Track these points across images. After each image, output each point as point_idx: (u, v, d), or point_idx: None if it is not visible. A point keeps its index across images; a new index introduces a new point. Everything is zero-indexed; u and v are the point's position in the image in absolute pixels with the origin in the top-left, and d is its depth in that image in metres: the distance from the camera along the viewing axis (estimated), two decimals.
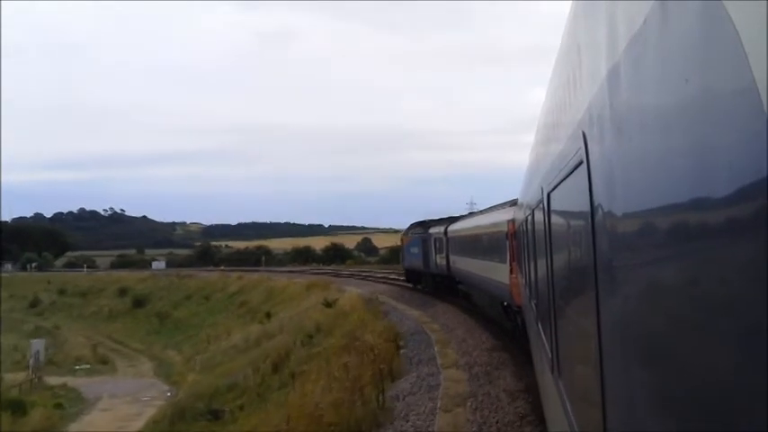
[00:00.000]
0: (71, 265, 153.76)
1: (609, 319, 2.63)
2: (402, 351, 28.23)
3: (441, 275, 41.11)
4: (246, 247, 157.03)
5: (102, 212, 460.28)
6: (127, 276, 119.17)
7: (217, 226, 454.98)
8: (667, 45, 1.60)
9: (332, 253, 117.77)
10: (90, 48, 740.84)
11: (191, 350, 65.57)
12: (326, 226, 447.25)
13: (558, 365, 5.22)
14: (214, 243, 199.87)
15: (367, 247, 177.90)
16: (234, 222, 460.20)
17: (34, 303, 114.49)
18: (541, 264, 6.89)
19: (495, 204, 28.13)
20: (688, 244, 1.53)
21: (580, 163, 3.20)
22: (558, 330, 5.13)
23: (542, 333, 7.19)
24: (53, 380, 55.15)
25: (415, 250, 49.18)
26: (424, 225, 47.89)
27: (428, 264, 44.31)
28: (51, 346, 71.55)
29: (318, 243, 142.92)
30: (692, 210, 1.48)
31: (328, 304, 50.64)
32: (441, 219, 44.08)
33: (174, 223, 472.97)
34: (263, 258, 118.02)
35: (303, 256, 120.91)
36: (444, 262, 38.64)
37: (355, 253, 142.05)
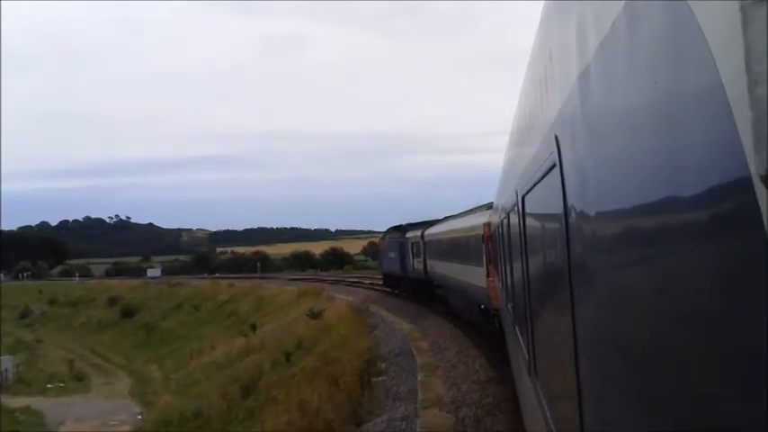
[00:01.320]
0: (66, 274, 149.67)
1: (584, 321, 2.65)
2: (380, 379, 23.42)
3: (418, 280, 40.67)
4: (244, 253, 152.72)
5: (108, 220, 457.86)
6: (118, 285, 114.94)
7: (223, 232, 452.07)
8: (635, 47, 1.62)
9: (331, 258, 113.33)
10: (97, 56, 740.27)
11: (173, 365, 61.12)
12: (333, 230, 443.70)
13: (534, 366, 5.26)
14: (220, 249, 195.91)
15: (374, 250, 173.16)
16: (240, 228, 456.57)
17: (24, 314, 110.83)
18: (517, 266, 6.91)
19: (470, 208, 27.99)
20: (660, 245, 1.55)
21: (553, 166, 3.21)
22: (535, 332, 5.18)
23: (519, 335, 7.26)
24: (19, 401, 50.47)
25: (392, 255, 48.87)
26: (402, 229, 47.71)
27: (406, 268, 44.14)
28: (27, 363, 67.19)
29: (322, 248, 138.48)
30: (663, 211, 1.50)
31: (314, 315, 45.97)
32: (418, 223, 43.83)
33: (180, 230, 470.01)
34: (259, 265, 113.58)
35: (301, 262, 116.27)
36: (422, 266, 38.39)
37: (361, 257, 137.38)
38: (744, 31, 1.01)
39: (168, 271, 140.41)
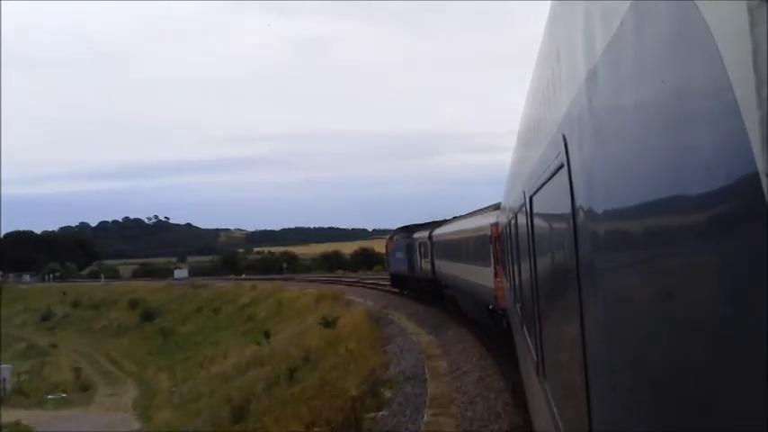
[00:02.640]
0: (94, 276, 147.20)
1: (592, 321, 2.63)
2: (379, 415, 18.47)
3: (426, 280, 40.05)
4: (273, 253, 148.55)
5: (146, 220, 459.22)
6: (142, 287, 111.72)
7: (260, 232, 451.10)
8: (643, 47, 1.63)
9: (361, 258, 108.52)
10: (131, 58, 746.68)
11: (183, 374, 56.94)
12: (370, 230, 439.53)
13: (542, 367, 5.25)
14: (257, 249, 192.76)
15: None
16: (277, 228, 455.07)
17: (46, 316, 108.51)
18: (525, 267, 6.89)
19: (479, 208, 27.77)
20: (669, 245, 1.56)
21: (561, 166, 3.20)
22: (543, 332, 5.18)
23: (527, 335, 7.23)
24: (12, 414, 46.43)
25: (400, 255, 48.27)
26: (409, 230, 47.11)
27: (413, 268, 43.44)
28: (33, 371, 63.54)
29: (355, 248, 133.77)
30: (671, 211, 1.51)
31: (327, 324, 41.14)
32: (425, 223, 43.17)
33: (217, 230, 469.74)
34: (285, 266, 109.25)
35: (329, 262, 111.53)
36: (429, 266, 37.76)
37: None
38: (751, 32, 1.01)
39: (196, 272, 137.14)
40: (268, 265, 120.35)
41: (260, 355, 44.67)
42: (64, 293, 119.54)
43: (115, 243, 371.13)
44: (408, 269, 45.50)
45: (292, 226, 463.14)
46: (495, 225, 19.49)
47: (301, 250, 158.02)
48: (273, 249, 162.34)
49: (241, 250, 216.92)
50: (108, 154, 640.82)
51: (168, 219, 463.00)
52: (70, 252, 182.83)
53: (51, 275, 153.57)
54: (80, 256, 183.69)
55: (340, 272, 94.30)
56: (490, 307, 21.86)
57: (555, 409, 4.28)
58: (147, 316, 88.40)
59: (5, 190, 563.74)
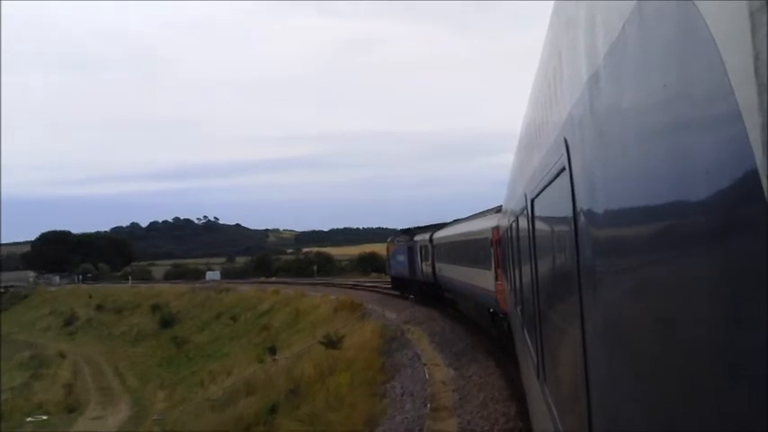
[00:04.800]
0: (125, 277, 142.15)
1: (593, 324, 2.63)
2: None
3: (427, 283, 39.74)
4: (308, 253, 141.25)
5: (196, 221, 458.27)
6: (167, 290, 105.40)
7: (309, 232, 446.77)
8: (645, 51, 1.63)
9: None
10: (180, 60, 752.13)
11: (182, 393, 50.14)
12: None
13: (543, 370, 5.26)
14: (305, 249, 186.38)
15: None
16: (326, 228, 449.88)
17: (70, 321, 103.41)
18: (526, 270, 6.92)
19: (479, 211, 27.83)
20: (670, 249, 1.56)
21: (563, 169, 3.20)
22: (543, 336, 5.19)
23: (528, 339, 7.21)
24: None
25: (401, 258, 47.87)
26: (410, 233, 46.29)
27: (414, 271, 43.14)
28: (24, 385, 57.40)
29: None
30: (673, 214, 1.51)
31: (331, 344, 33.24)
32: (426, 226, 42.77)
33: (266, 230, 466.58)
34: (315, 269, 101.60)
35: (366, 264, 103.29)
36: (430, 269, 37.40)
37: None
38: (753, 37, 1.01)
39: (229, 273, 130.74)
40: (302, 266, 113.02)
41: (254, 379, 37.34)
42: (90, 296, 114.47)
43: (165, 243, 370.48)
44: (409, 272, 44.78)
45: (341, 226, 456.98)
46: (496, 228, 19.30)
47: (348, 251, 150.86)
48: (322, 250, 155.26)
49: (290, 251, 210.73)
50: (159, 155, 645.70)
51: (218, 219, 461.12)
52: (106, 253, 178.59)
53: (80, 277, 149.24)
54: (115, 257, 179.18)
55: (375, 275, 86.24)
56: (491, 310, 21.68)
57: (555, 413, 4.29)
58: (166, 323, 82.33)
59: (60, 191, 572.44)
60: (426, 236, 38.93)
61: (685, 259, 1.44)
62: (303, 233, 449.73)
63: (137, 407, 50.43)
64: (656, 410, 1.74)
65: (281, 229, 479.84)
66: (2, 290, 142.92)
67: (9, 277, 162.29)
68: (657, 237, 1.66)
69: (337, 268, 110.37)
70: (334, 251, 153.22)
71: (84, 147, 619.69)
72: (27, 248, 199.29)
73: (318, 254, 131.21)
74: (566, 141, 3.09)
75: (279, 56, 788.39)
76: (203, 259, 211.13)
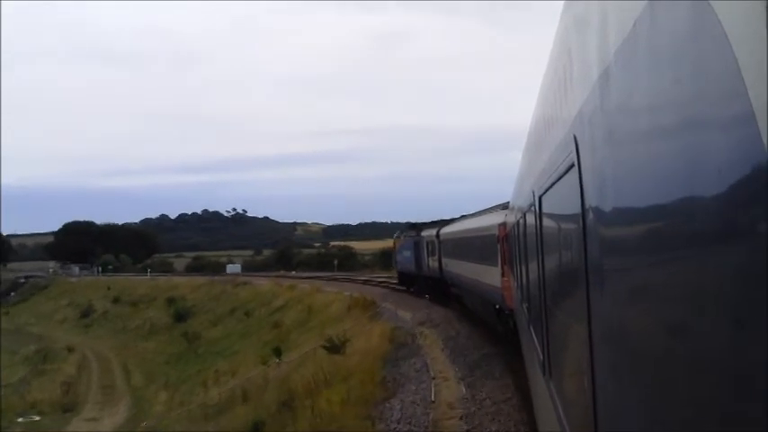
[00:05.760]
0: (146, 269, 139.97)
1: (600, 322, 2.63)
2: None
3: (433, 278, 39.60)
4: (331, 248, 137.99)
5: (225, 213, 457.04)
6: (184, 283, 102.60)
7: (337, 226, 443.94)
8: (657, 48, 1.62)
9: None
10: (215, 56, 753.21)
11: (184, 394, 47.44)
12: None
13: (549, 367, 5.26)
14: (333, 243, 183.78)
15: None
16: (354, 222, 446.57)
17: (86, 313, 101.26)
18: (533, 267, 6.95)
19: (486, 207, 27.64)
20: (679, 247, 1.55)
21: (571, 166, 3.21)
22: (550, 333, 5.19)
23: (534, 335, 7.24)
24: None
25: (407, 253, 47.49)
26: (417, 228, 46.47)
27: (421, 266, 43.06)
28: (22, 382, 54.84)
29: None
30: (682, 213, 1.49)
31: (334, 348, 29.76)
32: (433, 221, 43.21)
33: (294, 223, 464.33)
34: (336, 263, 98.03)
35: (387, 259, 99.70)
36: (437, 265, 37.37)
37: None
38: (767, 34, 1.00)
39: (250, 266, 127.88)
40: (323, 260, 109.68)
41: (251, 386, 34.14)
42: (108, 288, 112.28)
43: (193, 235, 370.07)
44: (416, 267, 44.39)
45: (369, 220, 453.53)
46: (503, 225, 19.30)
47: (375, 245, 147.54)
48: (350, 244, 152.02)
49: (317, 244, 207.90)
50: (189, 148, 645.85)
51: (246, 212, 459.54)
52: (129, 245, 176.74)
53: (99, 269, 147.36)
54: (138, 248, 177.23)
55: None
56: (497, 306, 21.57)
57: (560, 409, 4.30)
58: (180, 317, 79.50)
59: (90, 183, 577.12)
60: (433, 231, 38.73)
61: (694, 259, 1.43)
62: (331, 227, 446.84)
63: (135, 408, 47.52)
64: (661, 408, 1.74)
65: (309, 222, 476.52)
66: (22, 280, 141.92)
67: (30, 267, 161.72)
68: (667, 236, 1.64)
69: (359, 263, 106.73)
70: (361, 245, 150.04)
71: (115, 139, 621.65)
72: (51, 239, 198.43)
73: (341, 248, 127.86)
74: (575, 138, 3.07)
75: (309, 51, 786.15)
76: (229, 251, 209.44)
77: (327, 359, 29.43)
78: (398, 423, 16.56)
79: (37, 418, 44.28)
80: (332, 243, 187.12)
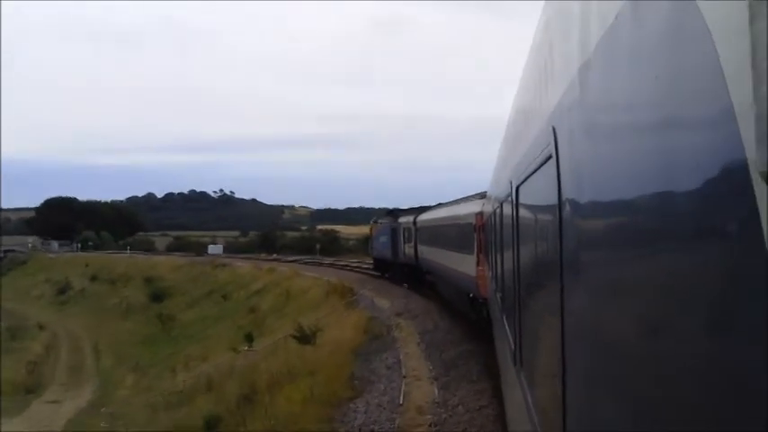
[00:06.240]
0: (127, 247, 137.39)
1: (572, 314, 2.63)
2: None
3: (409, 265, 39.41)
4: (315, 232, 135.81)
5: (212, 194, 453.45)
6: (163, 263, 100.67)
7: (324, 210, 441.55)
8: (638, 42, 1.62)
9: None
10: (205, 34, 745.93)
11: (152, 379, 45.48)
12: None
13: (520, 357, 5.27)
14: (320, 227, 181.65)
15: None
16: (342, 207, 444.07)
17: (63, 290, 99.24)
18: (508, 256, 6.99)
19: (464, 196, 27.77)
20: (654, 242, 1.56)
21: (549, 157, 3.21)
22: (522, 323, 5.20)
23: (506, 325, 7.33)
24: None
25: (384, 239, 47.21)
26: (394, 214, 46.26)
27: (397, 253, 42.80)
28: None
29: None
30: (659, 209, 1.50)
31: (304, 338, 27.98)
32: (410, 208, 43.44)
33: (282, 206, 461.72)
34: (318, 247, 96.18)
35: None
36: (413, 252, 37.17)
37: None
38: (750, 27, 0.99)
39: (232, 248, 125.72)
40: (307, 244, 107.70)
41: (217, 375, 32.47)
42: (86, 265, 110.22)
43: (179, 215, 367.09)
44: (392, 254, 43.96)
45: (357, 206, 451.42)
46: (480, 214, 19.26)
47: (362, 230, 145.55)
48: (337, 228, 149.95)
49: (304, 227, 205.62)
50: (177, 128, 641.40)
51: (234, 193, 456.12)
52: (111, 222, 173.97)
53: (79, 245, 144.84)
54: (121, 226, 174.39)
55: None
56: (471, 295, 21.52)
57: (530, 398, 4.32)
58: (157, 297, 77.52)
59: (76, 159, 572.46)
60: (410, 218, 38.42)
61: (669, 255, 1.43)
62: (318, 210, 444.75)
63: (100, 391, 45.59)
64: (631, 401, 1.74)
65: (297, 205, 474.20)
66: (1, 254, 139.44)
67: (10, 242, 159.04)
68: (642, 230, 1.64)
69: (343, 248, 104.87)
70: (347, 230, 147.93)
71: (105, 116, 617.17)
72: (32, 214, 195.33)
73: (325, 232, 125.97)
74: (554, 130, 3.05)
75: (308, 33, 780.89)
76: (215, 232, 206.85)
77: (297, 349, 27.73)
78: (359, 429, 14.78)
79: None
80: (318, 227, 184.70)
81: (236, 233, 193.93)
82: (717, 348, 1.12)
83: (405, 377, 19.12)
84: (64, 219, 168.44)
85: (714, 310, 1.13)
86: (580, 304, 2.46)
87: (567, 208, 2.69)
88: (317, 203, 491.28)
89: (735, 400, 1.06)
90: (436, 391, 17.25)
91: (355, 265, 65.97)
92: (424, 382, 18.50)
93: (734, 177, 1.03)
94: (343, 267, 65.77)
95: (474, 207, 21.17)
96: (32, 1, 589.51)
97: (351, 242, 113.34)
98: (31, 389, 45.89)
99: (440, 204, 35.32)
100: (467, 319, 23.88)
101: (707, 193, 1.16)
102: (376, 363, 21.92)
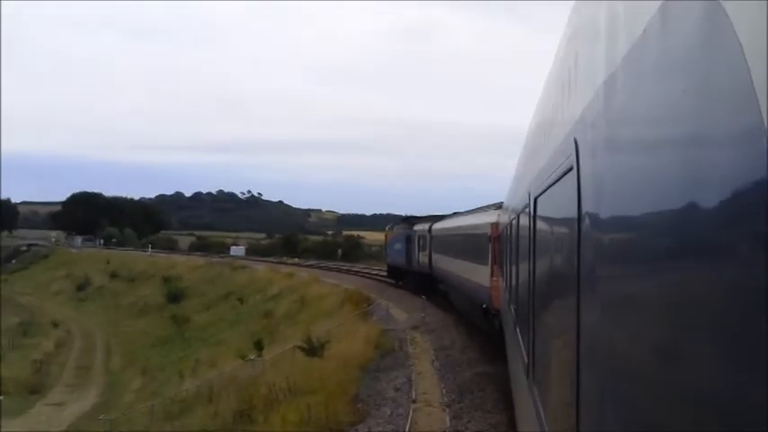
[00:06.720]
0: (147, 245, 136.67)
1: (588, 329, 2.59)
2: None
3: (422, 274, 38.91)
4: (341, 236, 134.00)
5: (240, 195, 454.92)
6: (183, 262, 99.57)
7: (351, 215, 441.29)
8: (667, 55, 1.59)
9: None
10: (237, 36, 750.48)
11: (160, 382, 43.78)
12: None
13: (533, 370, 5.22)
14: (346, 232, 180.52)
15: None
16: (369, 213, 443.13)
17: (82, 286, 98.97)
18: (523, 269, 6.89)
19: (481, 206, 27.30)
20: (674, 259, 1.53)
21: (570, 170, 3.17)
22: (536, 335, 5.10)
23: (520, 337, 7.18)
24: None
25: (398, 247, 47.26)
26: (409, 222, 46.07)
27: (411, 261, 42.56)
28: None
29: None
30: (682, 225, 1.45)
31: (312, 351, 26.23)
32: (426, 216, 42.79)
33: (309, 210, 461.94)
34: (340, 252, 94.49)
35: None
36: (427, 260, 36.85)
37: None
38: None
39: (255, 250, 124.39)
40: (329, 248, 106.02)
41: (220, 385, 30.75)
42: (107, 262, 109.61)
43: (206, 214, 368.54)
44: (406, 261, 43.71)
45: (383, 212, 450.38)
46: (496, 224, 19.08)
47: (362, 235, 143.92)
48: (362, 233, 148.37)
49: (330, 232, 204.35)
50: (209, 128, 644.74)
51: (261, 195, 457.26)
52: (135, 219, 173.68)
53: (101, 241, 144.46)
54: (145, 224, 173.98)
55: None
56: (484, 306, 20.93)
57: (542, 412, 4.25)
58: (173, 297, 76.32)
59: (108, 156, 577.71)
60: (425, 226, 38.21)
61: (692, 272, 1.39)
62: (345, 215, 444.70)
63: (107, 394, 44.23)
64: (645, 417, 1.72)
65: (324, 210, 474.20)
66: (24, 248, 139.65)
67: (34, 235, 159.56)
68: (663, 247, 1.61)
69: (366, 253, 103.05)
70: (373, 236, 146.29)
71: (136, 114, 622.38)
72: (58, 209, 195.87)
73: (348, 237, 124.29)
74: (575, 141, 3.02)
75: (339, 38, 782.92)
76: (240, 233, 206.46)
77: (303, 362, 26.00)
78: None
79: None
80: (344, 232, 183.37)
81: (262, 235, 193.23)
82: (742, 370, 1.07)
83: (414, 402, 17.27)
84: (89, 214, 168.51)
85: (740, 330, 1.09)
86: (597, 319, 2.40)
87: (587, 221, 2.64)
88: (344, 208, 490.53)
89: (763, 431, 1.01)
90: (447, 421, 15.38)
91: (375, 272, 64.14)
92: (435, 409, 16.66)
93: (762, 194, 1.00)
94: (363, 274, 64.03)
95: (490, 217, 20.98)
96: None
97: (373, 248, 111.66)
98: (36, 389, 44.73)
99: (455, 213, 34.72)
100: (480, 329, 23.51)
101: (734, 209, 1.13)
102: (384, 382, 20.08)
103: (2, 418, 37.11)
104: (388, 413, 16.60)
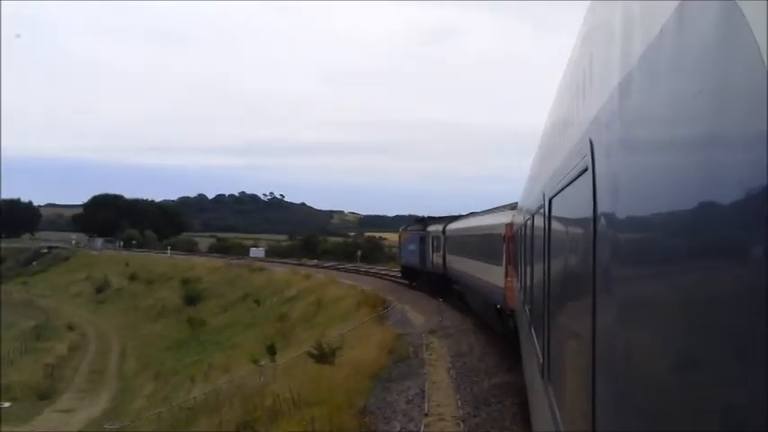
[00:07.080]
0: (173, 247, 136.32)
1: (604, 330, 2.59)
2: None
3: (437, 274, 38.68)
4: (362, 237, 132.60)
5: (262, 197, 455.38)
6: (201, 264, 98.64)
7: (373, 216, 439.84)
8: (683, 54, 1.60)
9: None
10: (259, 39, 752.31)
11: (173, 387, 42.73)
12: None
13: (548, 370, 5.22)
14: (368, 234, 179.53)
15: None
16: (391, 214, 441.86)
17: (101, 288, 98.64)
18: (538, 269, 6.88)
19: (495, 206, 27.12)
20: (690, 258, 1.54)
21: (585, 170, 3.16)
22: (551, 336, 5.12)
23: (534, 338, 7.18)
24: None
25: (412, 247, 47.06)
26: (424, 222, 46.41)
27: (425, 262, 42.59)
28: (5, 361, 50.58)
29: None
30: (697, 224, 1.46)
31: (322, 357, 24.89)
32: (440, 217, 43.54)
33: (331, 212, 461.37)
34: (359, 254, 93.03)
35: None
36: (441, 261, 36.83)
37: None
38: None
39: (274, 251, 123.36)
40: (348, 250, 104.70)
41: (230, 390, 29.65)
42: (127, 264, 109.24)
43: (229, 216, 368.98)
44: (420, 262, 43.86)
45: (405, 213, 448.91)
46: (510, 225, 18.99)
47: (384, 237, 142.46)
48: (385, 235, 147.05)
49: (352, 233, 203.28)
50: (231, 130, 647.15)
51: (283, 197, 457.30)
52: (156, 221, 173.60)
53: (121, 243, 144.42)
54: (165, 225, 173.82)
55: None
56: (498, 306, 21.04)
57: (558, 413, 4.25)
58: (191, 300, 75.44)
59: (131, 159, 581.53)
60: (439, 227, 38.20)
61: (706, 271, 1.40)
62: (367, 217, 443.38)
63: (117, 400, 43.20)
64: (661, 418, 1.72)
65: (346, 211, 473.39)
66: (44, 250, 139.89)
67: (55, 238, 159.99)
68: (679, 248, 1.61)
69: (386, 255, 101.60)
70: (395, 237, 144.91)
71: (161, 117, 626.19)
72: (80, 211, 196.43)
73: (368, 239, 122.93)
74: (591, 142, 3.01)
75: (359, 41, 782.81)
76: (263, 235, 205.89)
77: (313, 369, 24.65)
78: None
79: (7, 405, 40.03)
80: (366, 234, 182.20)
81: (284, 237, 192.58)
82: (764, 373, 1.04)
83: (426, 415, 15.86)
84: (109, 216, 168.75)
85: (762, 332, 1.06)
86: (612, 320, 2.40)
87: (602, 221, 2.63)
88: (365, 210, 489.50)
89: None
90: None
91: (394, 273, 62.80)
92: (449, 424, 15.22)
93: None
94: (381, 276, 62.66)
95: (504, 218, 20.90)
96: (87, 1, 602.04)
97: (393, 249, 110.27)
98: (46, 394, 43.84)
99: (470, 214, 34.65)
100: (494, 330, 23.51)
101: (752, 210, 1.11)
102: (396, 393, 18.66)
103: (6, 426, 36.21)
104: (398, 428, 15.21)
